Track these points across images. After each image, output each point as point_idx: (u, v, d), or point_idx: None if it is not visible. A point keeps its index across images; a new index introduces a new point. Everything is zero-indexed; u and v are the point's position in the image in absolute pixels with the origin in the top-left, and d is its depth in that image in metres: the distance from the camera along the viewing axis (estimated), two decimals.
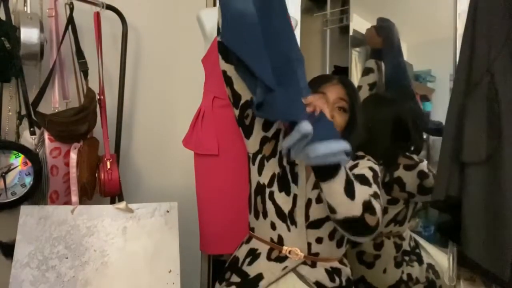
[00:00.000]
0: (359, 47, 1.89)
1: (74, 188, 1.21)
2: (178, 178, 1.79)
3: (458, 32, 1.27)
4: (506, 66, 1.07)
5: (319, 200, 1.02)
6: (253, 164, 1.11)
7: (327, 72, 2.12)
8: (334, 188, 0.87)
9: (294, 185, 1.04)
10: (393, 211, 1.44)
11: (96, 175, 1.30)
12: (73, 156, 1.24)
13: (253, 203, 1.11)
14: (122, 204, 1.08)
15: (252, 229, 1.12)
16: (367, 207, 0.89)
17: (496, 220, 1.04)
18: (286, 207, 1.03)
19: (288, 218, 1.03)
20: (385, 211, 1.44)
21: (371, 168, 1.04)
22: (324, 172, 0.86)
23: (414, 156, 1.46)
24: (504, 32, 1.08)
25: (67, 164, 1.27)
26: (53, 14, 1.33)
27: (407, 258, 1.44)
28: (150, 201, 1.18)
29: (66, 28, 1.33)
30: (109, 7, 1.45)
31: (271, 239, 1.06)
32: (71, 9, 1.34)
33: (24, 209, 1.05)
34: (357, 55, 1.88)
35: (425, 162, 1.44)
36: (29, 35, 1.22)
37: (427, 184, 1.40)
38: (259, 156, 1.09)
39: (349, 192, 0.87)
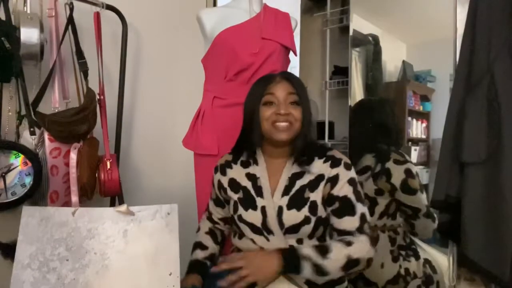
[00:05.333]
0: (359, 47, 1.89)
1: (74, 188, 1.21)
2: (178, 178, 1.79)
3: (458, 32, 1.28)
4: (506, 66, 1.07)
5: (290, 206, 1.02)
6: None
7: (327, 72, 2.12)
8: (305, 275, 0.94)
9: (260, 198, 1.05)
10: (383, 201, 1.49)
11: (96, 175, 1.30)
12: (73, 156, 1.23)
13: (233, 229, 1.16)
14: (123, 207, 1.08)
15: (238, 249, 1.14)
16: (348, 266, 0.95)
17: (495, 220, 1.05)
18: (257, 221, 1.04)
19: (263, 230, 1.04)
20: (375, 202, 1.51)
21: (351, 182, 1.03)
22: (288, 271, 0.95)
23: (405, 155, 1.53)
24: (504, 32, 1.08)
25: (67, 164, 1.26)
26: (53, 14, 1.32)
27: (403, 252, 1.47)
28: (150, 201, 1.18)
29: (66, 28, 1.33)
30: (109, 7, 1.45)
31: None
32: (71, 9, 1.33)
33: (26, 210, 1.04)
34: (357, 55, 1.88)
35: (413, 164, 1.51)
36: (29, 35, 1.21)
37: (411, 184, 1.44)
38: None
39: (322, 273, 0.94)
